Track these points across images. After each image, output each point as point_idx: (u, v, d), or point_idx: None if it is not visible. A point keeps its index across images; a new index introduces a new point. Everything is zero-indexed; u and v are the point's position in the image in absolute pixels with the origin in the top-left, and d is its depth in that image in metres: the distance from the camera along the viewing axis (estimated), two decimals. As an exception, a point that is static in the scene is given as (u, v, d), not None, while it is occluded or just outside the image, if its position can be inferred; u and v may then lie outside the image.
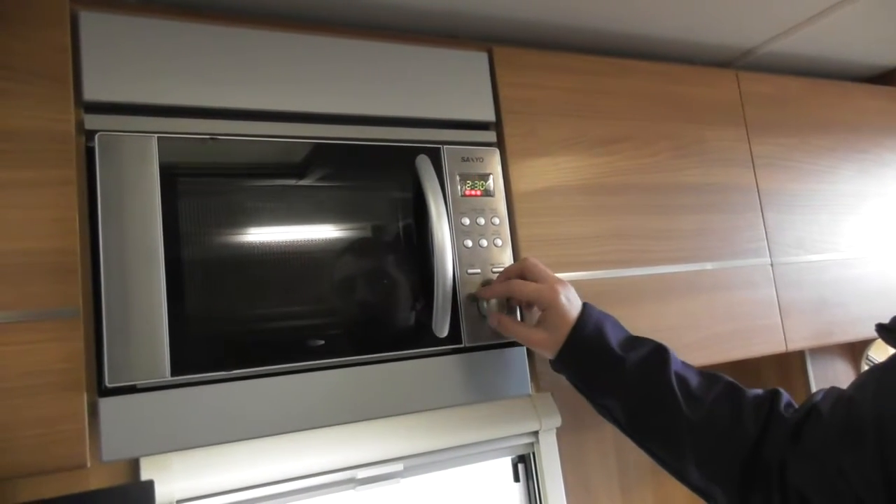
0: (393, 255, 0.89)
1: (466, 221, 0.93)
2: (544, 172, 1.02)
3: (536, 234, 0.99)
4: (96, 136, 0.75)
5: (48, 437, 0.67)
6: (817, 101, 1.36)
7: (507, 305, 0.93)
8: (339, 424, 0.83)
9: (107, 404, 0.71)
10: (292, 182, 0.86)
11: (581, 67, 1.10)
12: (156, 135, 0.77)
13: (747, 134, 1.25)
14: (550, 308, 0.85)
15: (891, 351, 0.72)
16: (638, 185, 1.10)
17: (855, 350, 1.64)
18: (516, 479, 1.38)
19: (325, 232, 0.85)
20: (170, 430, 0.73)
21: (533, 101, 1.04)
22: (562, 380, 0.88)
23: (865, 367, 1.58)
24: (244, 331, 0.79)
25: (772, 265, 1.21)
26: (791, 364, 1.58)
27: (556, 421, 1.37)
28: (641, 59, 1.19)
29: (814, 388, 1.48)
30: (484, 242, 0.94)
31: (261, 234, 0.81)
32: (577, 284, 0.92)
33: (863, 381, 0.70)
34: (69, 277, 0.71)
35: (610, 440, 1.46)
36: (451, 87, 0.97)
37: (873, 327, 0.76)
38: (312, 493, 1.15)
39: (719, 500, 0.77)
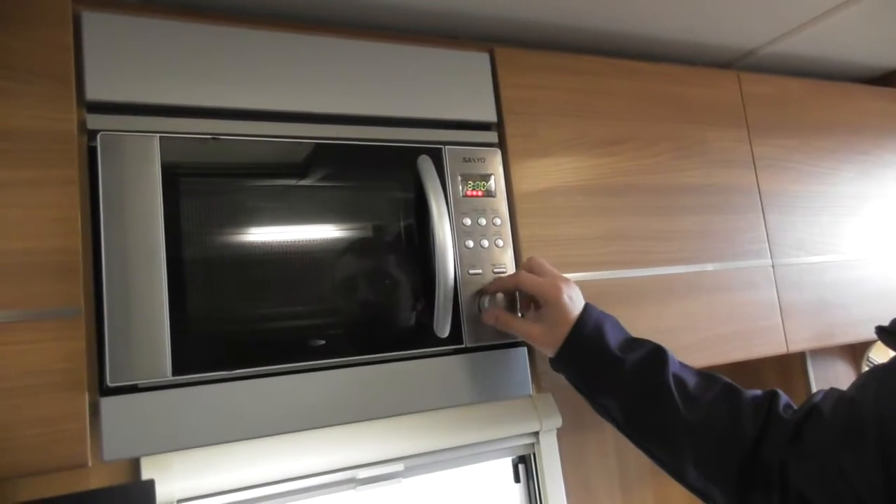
0: (394, 255, 0.89)
1: (468, 222, 0.93)
2: (545, 173, 1.02)
3: (537, 234, 0.99)
4: (98, 136, 0.75)
5: (49, 436, 0.67)
6: (819, 102, 1.36)
7: (507, 304, 0.93)
8: (339, 424, 0.83)
9: (108, 404, 0.71)
10: (294, 182, 0.86)
11: (582, 68, 1.10)
12: (158, 134, 0.77)
13: (748, 135, 1.25)
14: (551, 303, 0.85)
15: (891, 353, 0.72)
16: (639, 186, 1.10)
17: (855, 352, 1.64)
18: (517, 479, 1.38)
19: (326, 232, 0.85)
20: (171, 430, 0.73)
21: (534, 101, 1.04)
22: (563, 380, 0.88)
23: (866, 369, 1.58)
24: (245, 331, 0.79)
25: (773, 266, 1.21)
26: (792, 365, 1.58)
27: (557, 421, 1.37)
28: (643, 59, 1.19)
29: (814, 390, 1.48)
30: (485, 243, 0.94)
31: (262, 234, 0.81)
32: (578, 285, 0.92)
33: (864, 382, 0.70)
34: (71, 277, 0.71)
35: (610, 441, 1.46)
36: (452, 87, 0.97)
37: (874, 329, 0.76)
38: (313, 493, 1.15)
39: (718, 501, 0.77)
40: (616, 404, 0.83)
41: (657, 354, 0.82)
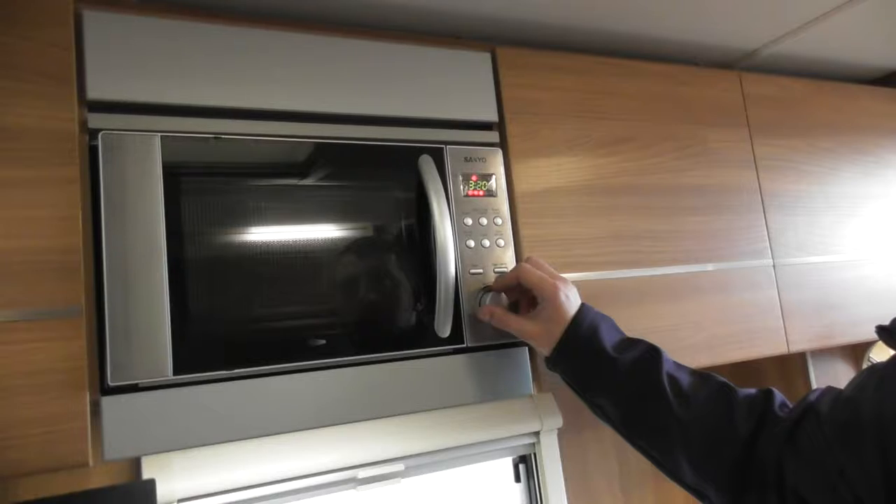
0: (395, 254, 0.89)
1: (469, 221, 0.93)
2: (547, 173, 1.02)
3: (539, 234, 0.99)
4: (100, 135, 0.75)
5: (50, 435, 0.67)
6: (820, 102, 1.36)
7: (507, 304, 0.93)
8: (340, 424, 0.83)
9: (109, 403, 0.71)
10: (295, 182, 0.86)
11: (584, 68, 1.10)
12: (159, 134, 0.77)
13: (750, 135, 1.25)
14: (548, 301, 0.85)
15: (892, 353, 0.72)
16: (640, 186, 1.10)
17: (856, 352, 1.64)
18: (517, 479, 1.38)
19: (327, 231, 0.85)
20: (172, 430, 0.73)
21: (536, 101, 1.04)
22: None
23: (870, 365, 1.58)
24: (246, 330, 0.79)
25: (774, 266, 1.21)
26: (793, 366, 1.58)
27: (558, 421, 1.37)
28: (645, 60, 1.19)
29: (815, 390, 1.48)
30: (486, 243, 0.94)
31: (264, 234, 0.81)
32: (579, 285, 0.92)
33: (862, 381, 0.70)
34: (72, 276, 0.71)
35: (611, 441, 1.46)
36: (454, 87, 0.97)
37: (874, 329, 0.76)
38: (313, 493, 1.15)
39: (713, 500, 0.77)
40: (611, 403, 0.83)
41: (651, 354, 0.83)
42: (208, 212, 0.78)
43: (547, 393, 1.39)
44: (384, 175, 0.91)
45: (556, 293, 0.85)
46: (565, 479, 1.38)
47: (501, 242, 0.95)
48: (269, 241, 0.81)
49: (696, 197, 1.15)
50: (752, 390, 0.80)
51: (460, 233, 0.92)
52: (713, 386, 0.81)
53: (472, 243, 0.93)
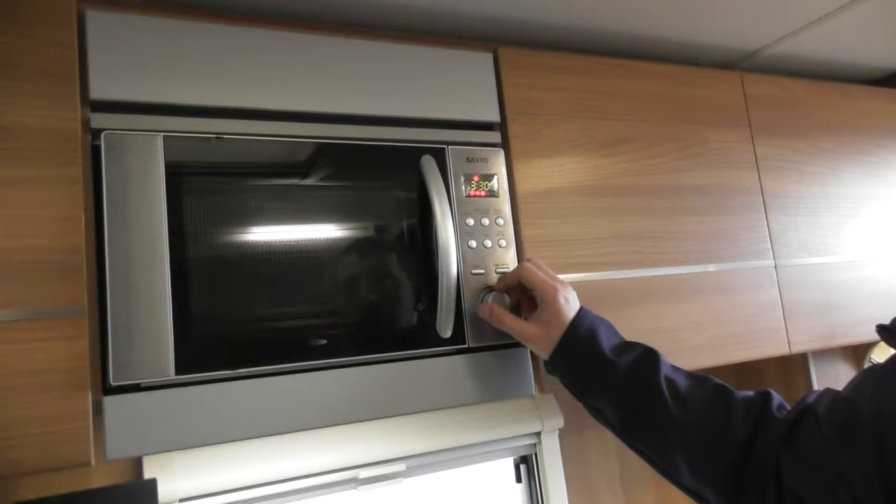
0: (397, 255, 0.89)
1: (471, 222, 0.93)
2: (549, 173, 1.02)
3: (540, 234, 0.99)
4: (102, 135, 0.75)
5: (52, 435, 0.68)
6: (822, 103, 1.36)
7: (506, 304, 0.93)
8: (341, 424, 0.83)
9: (111, 403, 0.71)
10: (297, 181, 0.86)
11: (586, 68, 1.10)
12: (161, 134, 0.77)
13: (751, 136, 1.25)
14: (548, 303, 0.85)
15: (893, 353, 0.72)
16: (642, 187, 1.10)
17: (858, 353, 1.64)
18: (518, 479, 1.38)
19: (329, 231, 0.85)
20: (174, 429, 0.73)
21: (538, 101, 1.04)
22: (565, 381, 0.88)
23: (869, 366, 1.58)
24: (248, 330, 0.79)
25: (775, 267, 1.21)
26: (794, 366, 1.58)
27: (559, 422, 1.37)
28: (646, 60, 1.19)
29: (816, 391, 1.48)
30: (488, 243, 0.94)
31: (265, 234, 0.81)
32: (580, 285, 0.92)
33: (860, 382, 0.70)
34: (75, 276, 0.71)
35: (612, 441, 1.46)
36: (456, 87, 0.97)
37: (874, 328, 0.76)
38: (314, 493, 1.15)
39: (712, 503, 0.77)
40: (609, 407, 0.83)
41: (649, 357, 0.83)
42: (210, 211, 0.78)
43: (548, 394, 1.38)
44: (386, 175, 0.91)
45: (555, 296, 0.85)
46: (566, 480, 1.38)
47: (503, 243, 0.95)
48: (271, 241, 0.81)
49: (697, 197, 1.15)
50: (750, 392, 0.80)
51: (462, 233, 0.92)
52: (711, 388, 0.81)
53: (473, 244, 0.93)
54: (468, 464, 1.31)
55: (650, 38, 1.25)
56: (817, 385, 1.55)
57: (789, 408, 0.77)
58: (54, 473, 0.78)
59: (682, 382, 0.81)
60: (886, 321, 0.75)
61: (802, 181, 1.29)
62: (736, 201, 1.20)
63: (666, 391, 0.80)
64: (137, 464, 1.01)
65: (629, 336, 0.89)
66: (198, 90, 0.81)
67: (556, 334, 0.85)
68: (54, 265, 0.70)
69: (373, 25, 1.05)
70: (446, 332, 0.86)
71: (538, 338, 0.86)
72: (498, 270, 0.94)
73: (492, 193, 0.96)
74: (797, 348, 1.19)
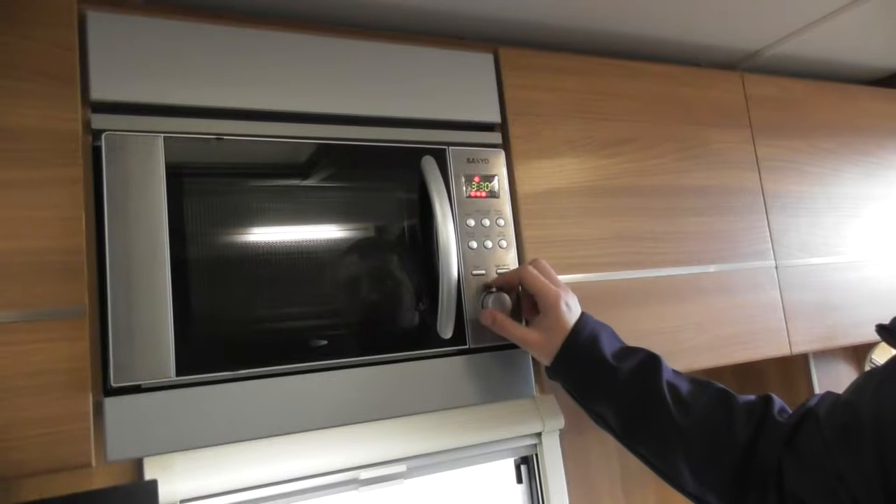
0: (397, 255, 0.89)
1: (471, 223, 0.93)
2: (549, 174, 1.02)
3: (541, 235, 0.99)
4: (103, 136, 0.75)
5: (53, 436, 0.67)
6: (822, 103, 1.36)
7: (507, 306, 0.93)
8: (342, 425, 0.83)
9: (112, 404, 0.71)
10: (297, 182, 0.86)
11: (586, 69, 1.10)
12: (162, 135, 0.77)
13: (752, 136, 1.25)
14: (550, 310, 0.85)
15: (893, 354, 0.72)
16: (642, 187, 1.10)
17: (859, 353, 1.64)
18: (519, 480, 1.38)
19: (330, 232, 0.85)
20: (174, 431, 0.73)
21: (538, 102, 1.04)
22: (566, 381, 0.88)
23: (869, 369, 1.58)
24: (248, 331, 0.79)
25: (776, 268, 1.21)
26: (795, 367, 1.58)
27: (560, 423, 1.37)
28: (647, 61, 1.19)
29: (817, 391, 1.48)
30: (489, 244, 0.94)
31: (266, 235, 0.81)
32: (581, 286, 0.92)
33: (860, 385, 0.70)
34: (75, 277, 0.71)
35: (613, 442, 1.44)
36: (456, 88, 0.97)
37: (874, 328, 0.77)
38: (315, 494, 1.15)
39: None
40: (611, 412, 0.83)
41: (650, 362, 0.83)
42: (211, 212, 0.78)
43: (549, 394, 1.38)
44: (386, 176, 0.91)
45: (557, 302, 0.85)
46: (567, 481, 1.38)
47: (504, 244, 0.95)
48: (272, 242, 0.81)
49: (698, 198, 1.15)
50: (752, 397, 0.80)
51: (463, 234, 0.92)
52: (712, 393, 0.81)
53: (474, 244, 0.93)
54: (469, 464, 1.31)
55: (651, 38, 1.25)
56: (818, 385, 1.55)
57: (791, 411, 0.77)
58: (55, 475, 0.77)
59: (684, 387, 0.81)
60: (886, 321, 0.75)
61: (803, 181, 1.29)
62: (737, 202, 1.19)
63: (668, 396, 0.80)
64: (138, 465, 1.01)
65: (630, 337, 0.89)
66: (199, 91, 0.81)
67: (558, 340, 0.85)
68: (55, 266, 0.70)
69: (373, 26, 1.05)
70: (447, 332, 0.86)
71: (540, 344, 0.86)
72: (498, 271, 0.94)
73: (492, 194, 0.96)
74: (798, 349, 1.19)
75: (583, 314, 0.87)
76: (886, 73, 1.60)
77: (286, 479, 1.10)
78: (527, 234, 0.98)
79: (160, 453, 0.74)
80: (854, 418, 0.67)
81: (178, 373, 0.73)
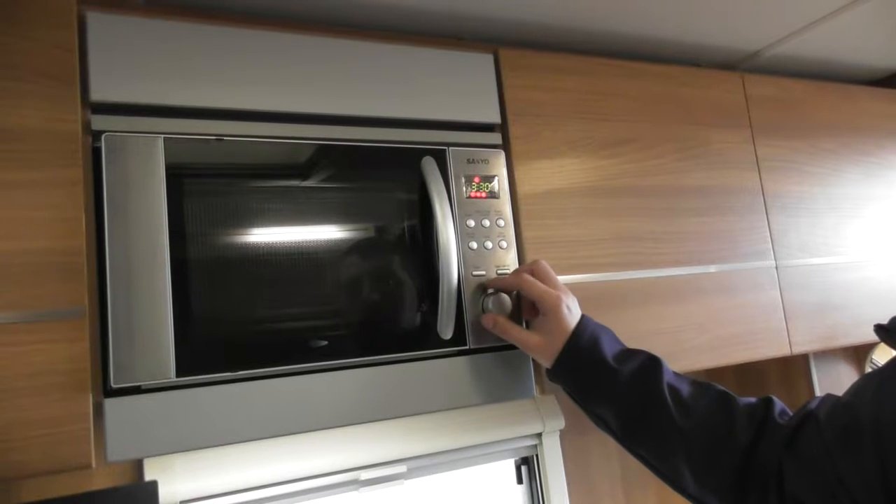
0: (398, 256, 0.89)
1: (471, 223, 0.93)
2: (549, 174, 1.02)
3: (541, 235, 0.99)
4: (103, 137, 0.75)
5: (53, 437, 0.67)
6: (822, 103, 1.36)
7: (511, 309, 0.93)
8: (343, 426, 0.83)
9: (112, 405, 0.71)
10: (297, 183, 0.86)
11: (586, 69, 1.10)
12: (162, 135, 0.77)
13: (752, 136, 1.25)
14: (551, 313, 0.85)
15: (894, 354, 0.72)
16: (643, 188, 1.10)
17: (859, 353, 1.64)
18: (519, 481, 1.38)
19: (330, 233, 0.85)
20: (175, 431, 0.73)
21: (538, 103, 1.04)
22: (566, 382, 0.88)
23: (869, 371, 1.58)
24: (249, 332, 0.79)
25: (776, 268, 1.21)
26: (795, 367, 1.58)
27: (560, 423, 1.37)
28: (647, 61, 1.19)
29: (818, 392, 1.48)
30: (489, 244, 0.94)
31: (266, 235, 0.81)
32: (581, 286, 0.91)
33: (860, 387, 0.70)
34: (75, 278, 0.71)
35: (613, 443, 1.44)
36: (456, 88, 0.97)
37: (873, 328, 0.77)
38: (316, 495, 1.15)
39: None
40: (612, 414, 0.83)
41: (651, 364, 0.83)
42: (211, 213, 0.78)
43: (549, 395, 1.38)
44: (386, 176, 0.91)
45: (558, 306, 0.85)
46: (567, 481, 1.37)
47: (504, 244, 0.95)
48: (272, 243, 0.81)
49: (698, 198, 1.15)
50: (752, 399, 0.81)
51: (463, 234, 0.92)
52: (713, 395, 0.81)
53: (474, 245, 0.93)
54: (469, 465, 1.30)
55: (651, 38, 1.25)
56: (818, 385, 1.55)
57: (791, 414, 0.77)
58: (55, 476, 0.77)
59: (685, 389, 0.81)
60: (885, 321, 0.75)
61: (803, 182, 1.29)
62: (737, 202, 1.19)
63: (669, 398, 0.80)
64: (138, 466, 1.01)
65: (630, 337, 0.89)
66: (199, 92, 0.81)
67: (559, 343, 0.85)
68: (55, 267, 0.70)
69: (374, 27, 1.05)
70: (447, 333, 0.86)
71: (541, 347, 0.86)
72: (499, 272, 0.93)
73: (492, 195, 0.96)
74: (798, 349, 1.19)
75: (583, 317, 0.87)
76: (886, 74, 1.60)
77: (286, 479, 1.10)
78: (527, 234, 0.98)
79: (160, 454, 0.74)
80: (854, 420, 0.67)
81: (179, 374, 0.73)
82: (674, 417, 0.79)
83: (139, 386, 0.73)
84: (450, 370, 0.89)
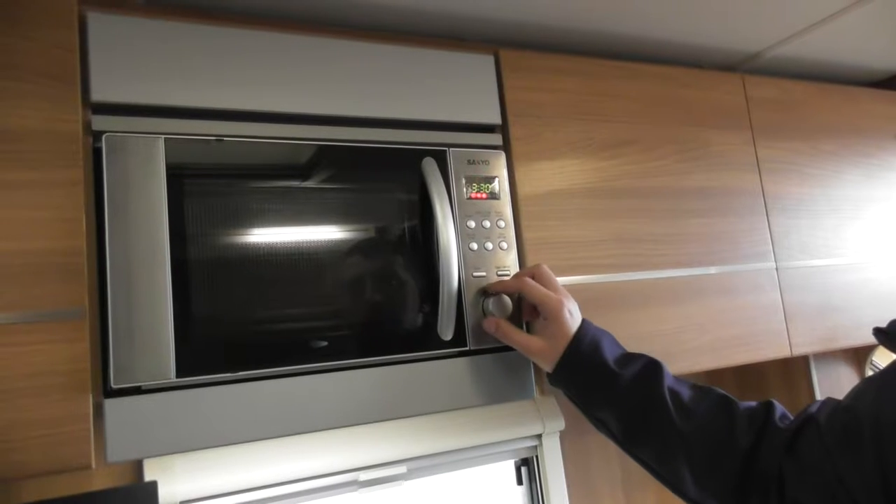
0: (398, 257, 0.89)
1: (472, 224, 0.93)
2: (550, 175, 1.02)
3: (542, 237, 0.99)
4: (103, 137, 0.75)
5: (53, 437, 0.67)
6: (823, 105, 1.36)
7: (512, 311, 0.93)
8: (343, 427, 0.83)
9: (112, 405, 0.71)
10: (298, 183, 0.86)
11: (587, 70, 1.10)
12: (162, 136, 0.77)
13: (753, 138, 1.25)
14: (552, 318, 0.86)
15: (893, 357, 0.72)
16: (643, 189, 1.10)
17: (859, 355, 1.64)
18: (519, 482, 1.38)
19: (330, 234, 0.85)
20: (175, 432, 0.73)
21: (539, 104, 1.04)
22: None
23: (869, 373, 1.58)
24: (249, 332, 0.79)
25: (777, 269, 1.21)
26: (795, 369, 1.58)
27: (560, 424, 1.37)
28: (647, 62, 1.19)
29: (818, 393, 1.48)
30: (489, 245, 0.94)
31: (266, 236, 0.81)
32: (581, 288, 0.91)
33: (860, 390, 0.71)
34: (76, 278, 0.71)
35: (613, 444, 1.45)
36: (457, 89, 0.97)
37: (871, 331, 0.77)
38: (315, 495, 1.15)
39: None
40: (613, 418, 0.83)
41: (652, 368, 0.83)
42: (211, 213, 0.78)
43: (549, 396, 1.38)
44: (387, 177, 0.91)
45: (560, 310, 0.85)
46: (567, 482, 1.37)
47: (504, 245, 0.95)
48: (272, 243, 0.81)
49: (698, 200, 1.15)
50: (753, 403, 0.81)
51: (463, 235, 0.92)
52: (714, 399, 0.81)
53: (475, 246, 0.93)
54: (469, 466, 1.30)
55: (651, 39, 1.25)
56: (818, 387, 1.55)
57: (792, 417, 0.77)
58: (55, 476, 0.77)
59: (686, 393, 0.81)
60: (884, 324, 0.75)
61: (804, 183, 1.29)
62: (737, 203, 1.19)
63: (669, 402, 0.80)
64: (138, 466, 1.01)
65: (631, 338, 0.89)
66: (199, 92, 0.81)
67: (560, 347, 0.85)
68: (55, 267, 0.70)
69: (374, 28, 1.05)
70: (447, 334, 0.86)
71: (543, 351, 0.86)
72: (499, 273, 0.93)
73: (493, 195, 0.96)
74: (798, 350, 1.19)
75: (584, 321, 0.87)
76: (887, 75, 1.60)
77: (286, 480, 1.10)
78: (527, 235, 0.98)
79: (160, 455, 0.74)
80: (854, 422, 0.67)
81: (179, 374, 0.73)
82: (674, 421, 0.79)
83: (139, 386, 0.73)
84: (450, 371, 0.89)
